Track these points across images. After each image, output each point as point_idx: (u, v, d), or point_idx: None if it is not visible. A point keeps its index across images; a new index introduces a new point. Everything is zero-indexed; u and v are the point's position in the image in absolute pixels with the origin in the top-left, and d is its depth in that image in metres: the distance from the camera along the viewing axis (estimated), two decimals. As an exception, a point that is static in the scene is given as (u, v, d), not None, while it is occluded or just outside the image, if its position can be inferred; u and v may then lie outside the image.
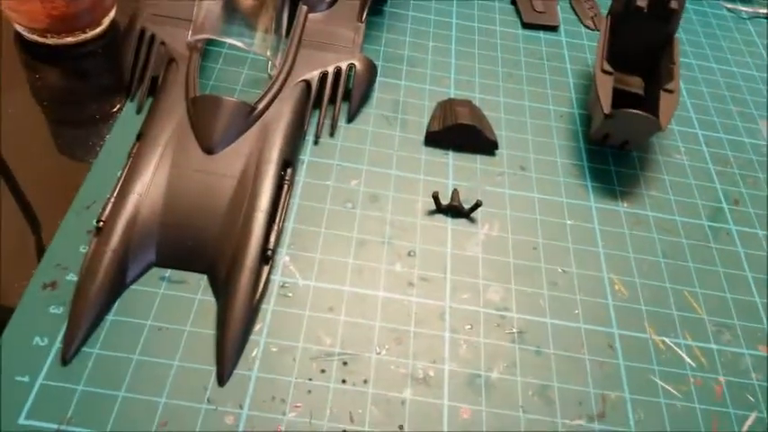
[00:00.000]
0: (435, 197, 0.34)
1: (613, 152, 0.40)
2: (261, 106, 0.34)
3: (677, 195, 0.38)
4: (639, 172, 0.39)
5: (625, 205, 0.37)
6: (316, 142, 0.37)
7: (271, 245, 0.30)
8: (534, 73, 0.44)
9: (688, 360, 0.30)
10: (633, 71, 0.42)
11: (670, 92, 0.38)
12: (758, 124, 0.44)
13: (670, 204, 0.38)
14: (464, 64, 0.44)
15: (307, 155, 0.36)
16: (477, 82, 0.43)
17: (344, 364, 0.28)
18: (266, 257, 0.29)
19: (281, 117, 0.34)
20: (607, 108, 0.37)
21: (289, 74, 0.37)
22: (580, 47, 0.48)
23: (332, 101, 0.38)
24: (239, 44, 0.37)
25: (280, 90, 0.36)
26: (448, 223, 0.34)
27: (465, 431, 0.26)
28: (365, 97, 0.40)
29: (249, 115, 0.33)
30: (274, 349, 0.28)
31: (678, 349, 0.31)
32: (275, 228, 0.30)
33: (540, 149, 0.39)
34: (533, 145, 0.39)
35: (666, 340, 0.31)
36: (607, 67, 0.39)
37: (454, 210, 0.34)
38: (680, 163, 0.40)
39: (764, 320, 0.33)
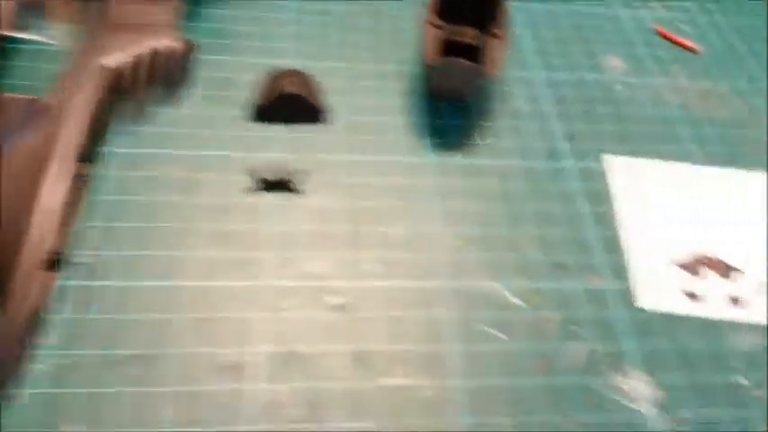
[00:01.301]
0: (253, 174, 0.33)
1: (452, 105, 0.39)
2: (53, 100, 0.32)
3: (515, 140, 0.38)
4: (478, 122, 0.38)
5: (463, 157, 0.36)
6: (130, 131, 0.35)
7: (60, 248, 0.28)
8: (374, 35, 0.43)
9: (520, 303, 0.30)
10: (469, 22, 0.41)
11: (498, 37, 0.37)
12: (598, 59, 0.44)
13: (508, 150, 0.37)
14: (300, 31, 0.42)
15: (118, 146, 0.34)
16: (314, 49, 0.41)
17: (144, 365, 0.26)
18: (53, 262, 0.27)
19: (77, 109, 0.32)
20: (430, 59, 0.36)
21: (88, 61, 0.34)
22: (423, 3, 0.46)
23: (148, 85, 0.36)
24: (38, 38, 0.34)
25: (77, 80, 0.33)
26: (273, 199, 0.33)
27: (279, 412, 0.25)
28: (185, 79, 0.37)
29: (39, 111, 0.31)
30: (66, 361, 0.26)
31: (510, 293, 0.30)
32: (66, 229, 0.29)
33: (377, 111, 0.38)
34: (371, 107, 0.38)
35: (498, 285, 0.31)
36: (434, 20, 0.38)
37: (278, 185, 0.33)
38: (519, 108, 0.40)
39: (597, 253, 0.33)
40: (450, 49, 0.38)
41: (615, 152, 0.38)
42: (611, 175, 0.36)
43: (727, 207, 0.35)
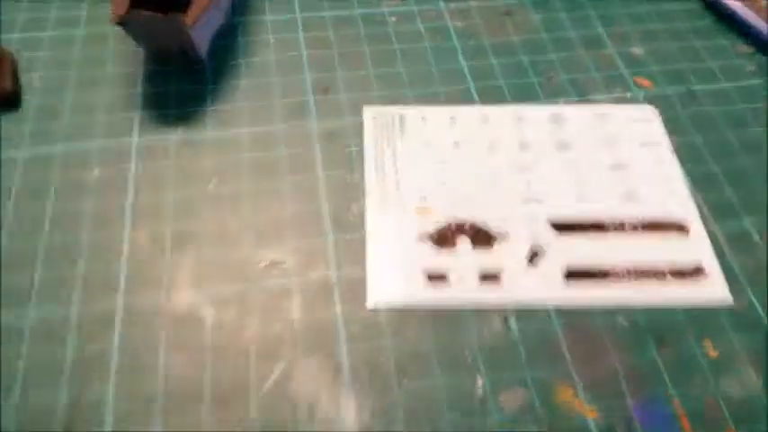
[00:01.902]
0: None
1: (184, 69, 0.31)
2: None
3: (255, 101, 0.30)
4: (213, 85, 0.31)
5: (182, 132, 0.29)
6: None
7: None
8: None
9: (210, 313, 0.24)
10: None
11: None
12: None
13: (243, 115, 0.30)
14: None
15: None
16: (21, 20, 0.33)
17: None
18: None
19: None
20: (113, 15, 0.28)
21: None
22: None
23: None
24: None
25: None
26: None
27: None
28: None
29: None
30: None
31: (203, 301, 0.24)
32: None
33: (83, 86, 0.31)
34: (79, 84, 0.31)
35: (189, 294, 0.24)
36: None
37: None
38: (267, 61, 0.32)
39: (332, 236, 0.27)
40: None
41: (381, 100, 0.31)
42: (367, 130, 0.30)
43: (502, 157, 0.29)
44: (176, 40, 0.29)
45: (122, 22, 0.28)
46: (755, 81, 0.33)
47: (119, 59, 0.32)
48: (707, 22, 0.36)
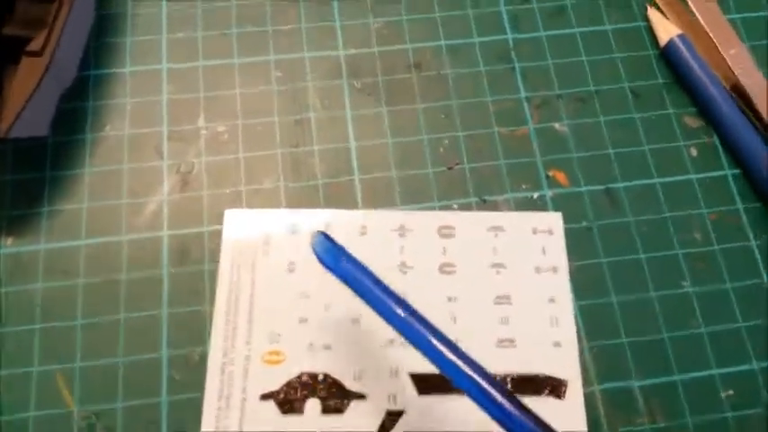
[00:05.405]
0: None
1: (21, 146, 0.27)
2: None
3: (95, 199, 0.26)
4: (50, 173, 0.26)
5: (9, 244, 0.26)
6: None
7: None
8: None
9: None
10: None
11: (35, 54, 0.24)
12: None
13: (79, 221, 0.26)
14: None
15: None
16: None
17: None
18: None
19: None
20: None
21: None
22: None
23: None
24: None
25: None
26: None
27: None
28: None
29: None
30: None
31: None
32: None
33: None
34: None
35: (8, 464, 0.23)
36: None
37: None
38: (119, 136, 0.28)
39: (164, 378, 0.24)
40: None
41: (251, 197, 0.27)
42: (225, 243, 0.26)
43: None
44: (-5, 134, 0.25)
45: None
46: (692, 176, 0.28)
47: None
48: (658, 79, 0.30)
